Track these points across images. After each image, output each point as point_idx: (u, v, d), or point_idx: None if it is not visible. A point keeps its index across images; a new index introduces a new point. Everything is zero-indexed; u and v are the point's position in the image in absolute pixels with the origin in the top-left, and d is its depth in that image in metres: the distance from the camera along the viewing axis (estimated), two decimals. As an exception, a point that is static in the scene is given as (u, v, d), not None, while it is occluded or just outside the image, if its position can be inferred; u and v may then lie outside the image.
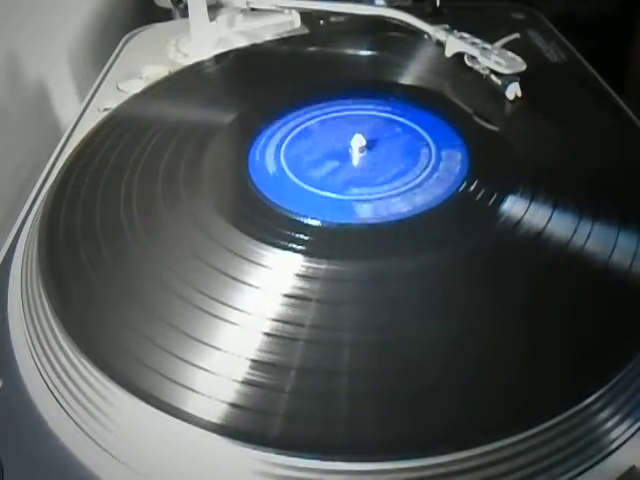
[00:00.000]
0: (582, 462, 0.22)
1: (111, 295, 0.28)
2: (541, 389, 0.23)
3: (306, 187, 0.33)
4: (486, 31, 0.43)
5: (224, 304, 0.27)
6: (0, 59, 0.45)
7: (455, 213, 0.31)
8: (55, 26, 0.53)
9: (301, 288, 0.27)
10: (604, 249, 0.28)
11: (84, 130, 0.39)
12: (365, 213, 0.31)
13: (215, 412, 0.23)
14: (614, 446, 0.23)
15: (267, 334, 0.25)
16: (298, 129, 0.37)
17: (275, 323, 0.26)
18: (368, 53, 0.46)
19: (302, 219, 0.30)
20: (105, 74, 0.48)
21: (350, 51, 0.46)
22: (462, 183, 0.32)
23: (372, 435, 0.22)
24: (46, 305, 0.27)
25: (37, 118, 0.50)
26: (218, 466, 0.22)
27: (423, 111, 0.38)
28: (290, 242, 0.29)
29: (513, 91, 0.38)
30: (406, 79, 0.42)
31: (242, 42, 0.48)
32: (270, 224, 0.30)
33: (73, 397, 0.25)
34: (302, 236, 0.29)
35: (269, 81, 0.43)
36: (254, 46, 0.48)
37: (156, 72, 0.46)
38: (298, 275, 0.28)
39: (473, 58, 0.41)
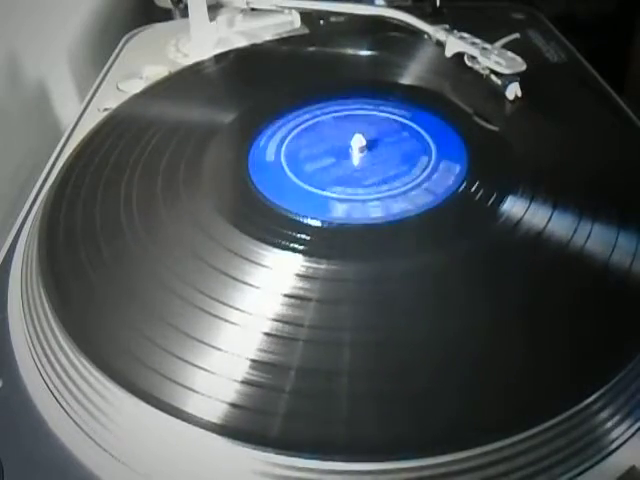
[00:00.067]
0: (582, 462, 0.22)
1: (111, 295, 0.28)
2: (541, 389, 0.23)
3: (294, 179, 0.33)
4: (486, 31, 0.43)
5: (224, 304, 0.27)
6: (0, 59, 0.45)
7: (455, 213, 0.31)
8: (55, 26, 0.53)
9: (301, 288, 0.27)
10: (604, 249, 0.28)
11: (84, 130, 0.39)
12: (338, 213, 0.31)
13: (215, 412, 0.23)
14: (614, 446, 0.23)
15: (267, 334, 0.25)
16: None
17: (275, 323, 0.26)
18: (368, 53, 0.46)
19: (302, 219, 0.30)
20: (105, 74, 0.48)
21: (350, 51, 0.46)
22: (462, 183, 0.32)
23: (372, 435, 0.22)
24: (46, 305, 0.27)
25: (37, 118, 0.50)
26: (218, 466, 0.22)
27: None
28: (290, 242, 0.29)
29: (513, 91, 0.38)
30: (406, 79, 0.42)
31: (242, 42, 0.48)
32: (270, 224, 0.30)
33: (73, 397, 0.25)
34: (302, 236, 0.29)
35: (269, 81, 0.43)
36: (254, 46, 0.48)
37: (156, 72, 0.46)
38: (298, 275, 0.28)
39: (473, 58, 0.41)
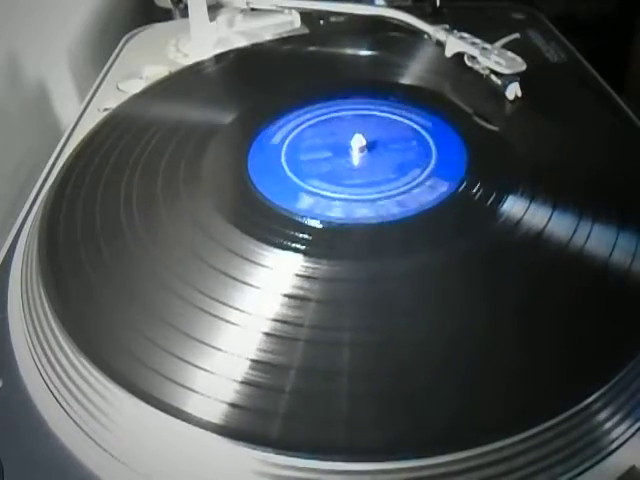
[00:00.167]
0: (582, 462, 0.22)
1: (111, 295, 0.28)
2: (541, 389, 0.23)
3: (284, 165, 0.34)
4: (486, 31, 0.43)
5: (224, 304, 0.27)
6: (0, 59, 0.45)
7: (455, 213, 0.31)
8: (55, 26, 0.53)
9: (301, 288, 0.27)
10: (604, 249, 0.28)
11: (84, 130, 0.39)
12: (302, 205, 0.31)
13: (215, 412, 0.23)
14: (614, 446, 0.23)
15: (267, 334, 0.25)
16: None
17: (275, 323, 0.26)
18: (368, 53, 0.46)
19: (302, 219, 0.30)
20: (105, 74, 0.48)
21: (350, 51, 0.46)
22: (462, 183, 0.32)
23: (372, 435, 0.22)
24: (46, 305, 0.27)
25: (37, 118, 0.50)
26: (218, 466, 0.22)
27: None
28: (290, 242, 0.29)
29: (513, 91, 0.38)
30: (406, 79, 0.42)
31: (242, 42, 0.48)
32: (270, 224, 0.30)
33: (73, 397, 0.25)
34: (302, 236, 0.29)
35: (269, 81, 0.43)
36: (254, 46, 0.48)
37: (156, 72, 0.46)
38: (298, 275, 0.27)
39: (473, 58, 0.41)
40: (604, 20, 0.65)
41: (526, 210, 0.30)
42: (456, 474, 0.22)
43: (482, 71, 0.40)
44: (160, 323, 0.26)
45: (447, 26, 0.44)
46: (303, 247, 0.29)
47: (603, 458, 0.23)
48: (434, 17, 0.49)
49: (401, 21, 0.46)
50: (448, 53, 0.43)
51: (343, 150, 0.35)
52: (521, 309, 0.26)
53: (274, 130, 0.37)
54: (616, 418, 0.23)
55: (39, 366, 0.27)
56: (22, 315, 0.29)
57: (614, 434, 0.23)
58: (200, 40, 0.49)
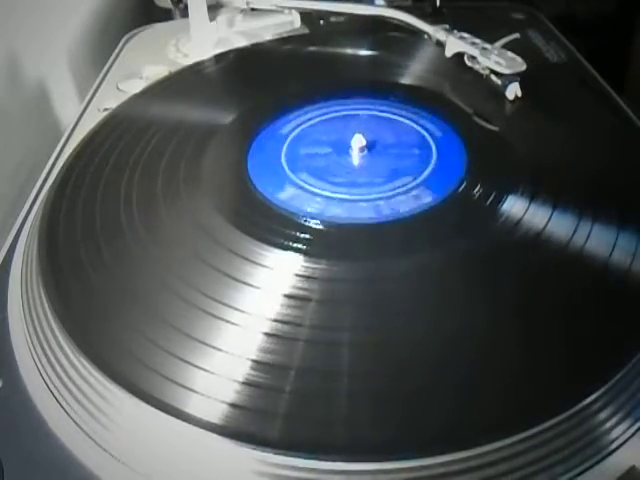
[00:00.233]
0: (582, 462, 0.22)
1: (111, 295, 0.28)
2: (541, 389, 0.23)
3: (282, 155, 0.35)
4: (486, 31, 0.43)
5: (223, 304, 0.27)
6: (0, 59, 0.45)
7: (455, 213, 0.31)
8: (55, 26, 0.53)
9: (301, 288, 0.27)
10: (604, 249, 0.28)
11: (84, 130, 0.39)
12: (283, 196, 0.32)
13: (215, 412, 0.23)
14: (614, 446, 0.23)
15: (267, 334, 0.25)
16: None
17: (275, 323, 0.26)
18: (368, 53, 0.46)
19: (302, 219, 0.30)
20: (105, 74, 0.48)
21: (350, 51, 0.46)
22: (462, 183, 0.32)
23: (371, 435, 0.22)
24: (46, 305, 0.27)
25: (37, 118, 0.50)
26: (218, 466, 0.22)
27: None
28: (291, 242, 0.29)
29: (513, 91, 0.38)
30: (406, 79, 0.42)
31: (242, 42, 0.48)
32: (270, 224, 0.30)
33: (73, 397, 0.25)
34: (302, 236, 0.29)
35: (269, 81, 0.43)
36: (254, 46, 0.48)
37: (156, 72, 0.46)
38: (298, 275, 0.27)
39: (473, 58, 0.41)
40: (604, 20, 0.65)
41: (526, 210, 0.30)
42: (456, 474, 0.22)
43: (482, 71, 0.40)
44: (160, 323, 0.26)
45: (447, 26, 0.44)
46: (303, 247, 0.29)
47: (603, 458, 0.23)
48: (434, 17, 0.49)
49: (401, 21, 0.46)
50: (448, 53, 0.43)
51: (343, 148, 0.35)
52: (521, 309, 0.26)
53: (283, 122, 0.37)
54: (616, 418, 0.23)
55: (39, 366, 0.27)
56: (22, 315, 0.29)
57: (614, 434, 0.23)
58: (200, 40, 0.49)
